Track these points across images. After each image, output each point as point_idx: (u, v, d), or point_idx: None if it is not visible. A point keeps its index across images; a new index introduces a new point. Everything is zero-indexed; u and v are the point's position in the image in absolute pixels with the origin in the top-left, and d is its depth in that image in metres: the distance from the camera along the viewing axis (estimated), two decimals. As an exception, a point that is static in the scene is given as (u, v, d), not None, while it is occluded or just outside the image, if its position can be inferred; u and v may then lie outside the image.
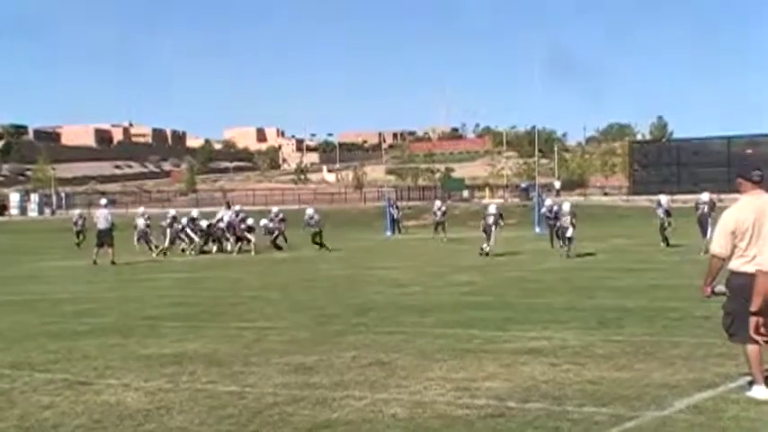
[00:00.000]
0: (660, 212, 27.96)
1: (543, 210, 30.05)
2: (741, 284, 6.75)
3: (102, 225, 26.66)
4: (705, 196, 26.97)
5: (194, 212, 33.81)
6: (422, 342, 10.17)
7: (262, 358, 9.45)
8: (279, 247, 31.07)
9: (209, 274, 22.07)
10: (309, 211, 33.35)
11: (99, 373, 8.80)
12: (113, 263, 25.42)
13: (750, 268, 6.72)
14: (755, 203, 6.97)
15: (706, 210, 26.05)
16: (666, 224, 27.54)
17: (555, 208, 28.69)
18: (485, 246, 25.95)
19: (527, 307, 13.24)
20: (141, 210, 34.65)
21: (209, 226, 31.74)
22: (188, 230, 31.30)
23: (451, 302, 14.19)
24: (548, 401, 7.00)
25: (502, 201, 70.11)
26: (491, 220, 26.61)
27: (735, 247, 6.90)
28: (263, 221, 31.98)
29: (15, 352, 10.24)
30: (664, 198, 28.59)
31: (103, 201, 32.24)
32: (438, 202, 39.91)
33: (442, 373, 8.32)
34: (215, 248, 31.44)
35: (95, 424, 6.79)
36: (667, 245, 26.72)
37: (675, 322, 11.19)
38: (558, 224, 26.25)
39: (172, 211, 33.60)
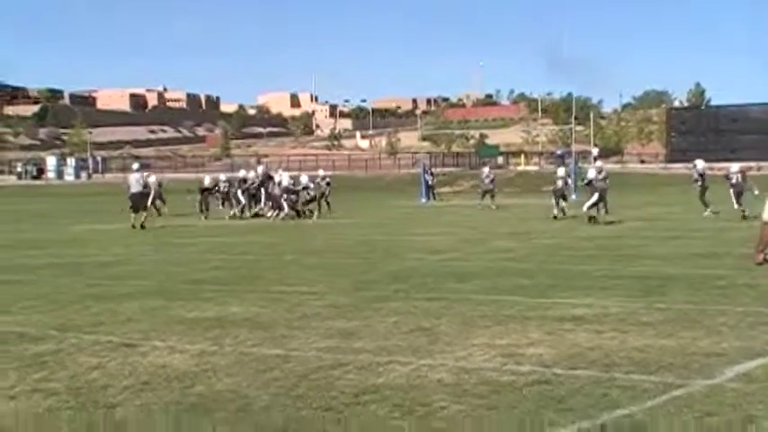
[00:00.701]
0: (695, 175, 27.90)
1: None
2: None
3: (134, 189, 26.74)
4: (735, 167, 27.15)
5: (248, 173, 33.39)
6: (463, 309, 10.15)
7: (304, 322, 9.49)
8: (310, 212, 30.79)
9: (246, 239, 22.18)
10: (321, 173, 33.13)
11: (144, 336, 8.87)
12: (143, 227, 25.48)
13: None
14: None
15: (739, 179, 25.94)
16: (700, 188, 27.42)
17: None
18: (555, 210, 27.30)
19: (568, 274, 13.17)
20: (223, 176, 34.45)
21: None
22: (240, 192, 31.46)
23: (491, 269, 14.13)
24: (595, 369, 6.96)
25: (537, 167, 69.79)
26: (560, 183, 28.30)
27: None
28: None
29: (61, 314, 10.35)
30: (700, 163, 28.46)
31: (135, 165, 32.23)
32: (486, 170, 39.23)
33: (486, 340, 8.29)
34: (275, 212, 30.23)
35: (144, 385, 6.85)
36: (706, 207, 26.53)
37: (719, 290, 11.07)
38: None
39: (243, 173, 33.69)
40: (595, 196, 24.53)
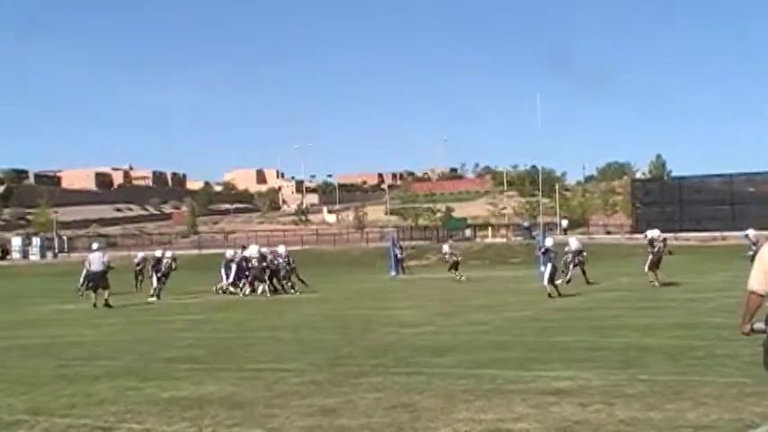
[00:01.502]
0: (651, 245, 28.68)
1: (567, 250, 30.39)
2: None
3: (95, 267, 26.69)
4: (656, 233, 29.01)
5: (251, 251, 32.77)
6: (443, 383, 10.02)
7: (283, 400, 9.30)
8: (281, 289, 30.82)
9: (217, 316, 21.91)
10: (280, 249, 32.70)
11: (119, 418, 8.64)
12: (108, 305, 25.36)
13: None
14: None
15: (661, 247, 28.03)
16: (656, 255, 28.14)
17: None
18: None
19: (545, 346, 13.09)
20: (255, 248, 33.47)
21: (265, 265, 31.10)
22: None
23: (467, 342, 14.02)
24: (584, 443, 6.86)
25: (504, 240, 70.08)
26: (570, 257, 29.31)
27: None
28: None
29: (32, 396, 10.08)
30: (653, 232, 29.50)
31: (95, 245, 31.67)
32: (447, 245, 39.40)
33: (470, 415, 8.16)
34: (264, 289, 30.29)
35: (122, 470, 6.64)
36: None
37: (700, 361, 11.04)
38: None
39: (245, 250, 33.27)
40: (549, 267, 24.63)
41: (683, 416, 7.75)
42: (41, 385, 10.90)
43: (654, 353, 11.90)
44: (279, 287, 30.62)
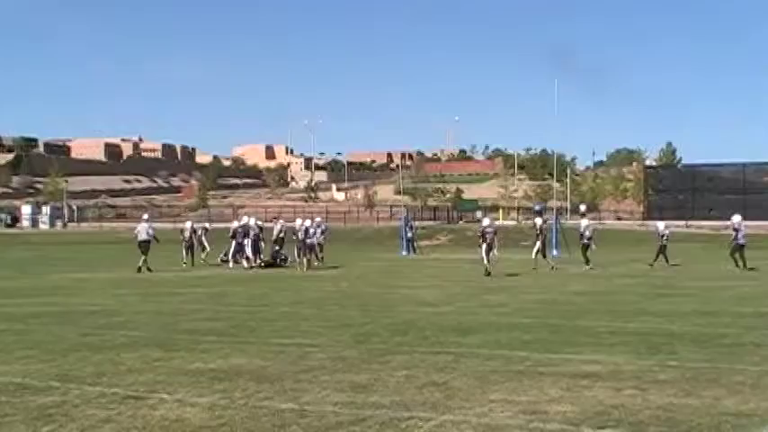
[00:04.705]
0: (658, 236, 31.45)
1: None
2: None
3: (142, 236, 29.93)
4: (662, 225, 32.07)
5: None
6: (472, 363, 9.97)
7: (311, 375, 9.27)
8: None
9: (234, 289, 21.85)
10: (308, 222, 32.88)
11: (150, 388, 8.61)
12: (149, 269, 28.51)
13: None
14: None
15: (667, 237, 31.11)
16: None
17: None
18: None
19: (571, 329, 13.03)
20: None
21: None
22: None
23: (490, 323, 13.95)
24: (624, 428, 6.80)
25: (515, 222, 69.98)
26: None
27: None
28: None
29: (59, 364, 10.06)
30: (661, 224, 32.28)
31: (145, 216, 34.66)
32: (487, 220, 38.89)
33: (503, 396, 8.12)
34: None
35: (160, 440, 6.61)
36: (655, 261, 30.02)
37: (727, 348, 10.97)
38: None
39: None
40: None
41: (721, 403, 7.69)
42: (67, 353, 10.88)
43: (680, 339, 11.83)
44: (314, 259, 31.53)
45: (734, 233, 28.77)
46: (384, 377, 9.13)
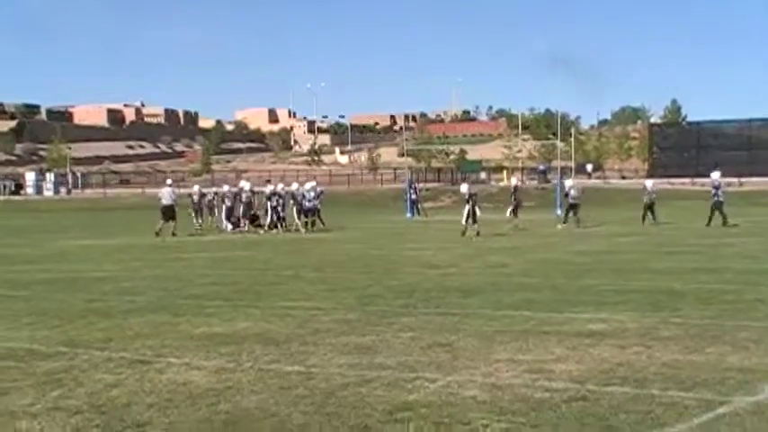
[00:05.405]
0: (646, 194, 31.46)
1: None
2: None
3: (166, 201, 29.99)
4: (650, 183, 32.87)
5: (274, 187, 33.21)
6: (476, 323, 10.01)
7: (317, 338, 9.32)
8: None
9: (237, 254, 21.91)
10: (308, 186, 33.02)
11: (156, 352, 8.67)
12: (174, 234, 28.61)
13: None
14: None
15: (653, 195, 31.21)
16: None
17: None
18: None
19: (575, 289, 13.06)
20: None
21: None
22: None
23: (494, 284, 13.98)
24: (629, 385, 6.83)
25: (519, 183, 69.90)
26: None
27: None
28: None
29: (65, 330, 10.12)
30: (649, 182, 32.91)
31: (168, 180, 34.46)
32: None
33: (509, 355, 8.16)
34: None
35: (168, 402, 6.66)
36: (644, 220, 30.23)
37: (731, 305, 11.01)
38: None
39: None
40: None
41: (725, 359, 7.72)
42: (74, 319, 10.94)
43: (683, 296, 11.86)
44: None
45: (713, 190, 29.11)
46: (389, 339, 9.17)
